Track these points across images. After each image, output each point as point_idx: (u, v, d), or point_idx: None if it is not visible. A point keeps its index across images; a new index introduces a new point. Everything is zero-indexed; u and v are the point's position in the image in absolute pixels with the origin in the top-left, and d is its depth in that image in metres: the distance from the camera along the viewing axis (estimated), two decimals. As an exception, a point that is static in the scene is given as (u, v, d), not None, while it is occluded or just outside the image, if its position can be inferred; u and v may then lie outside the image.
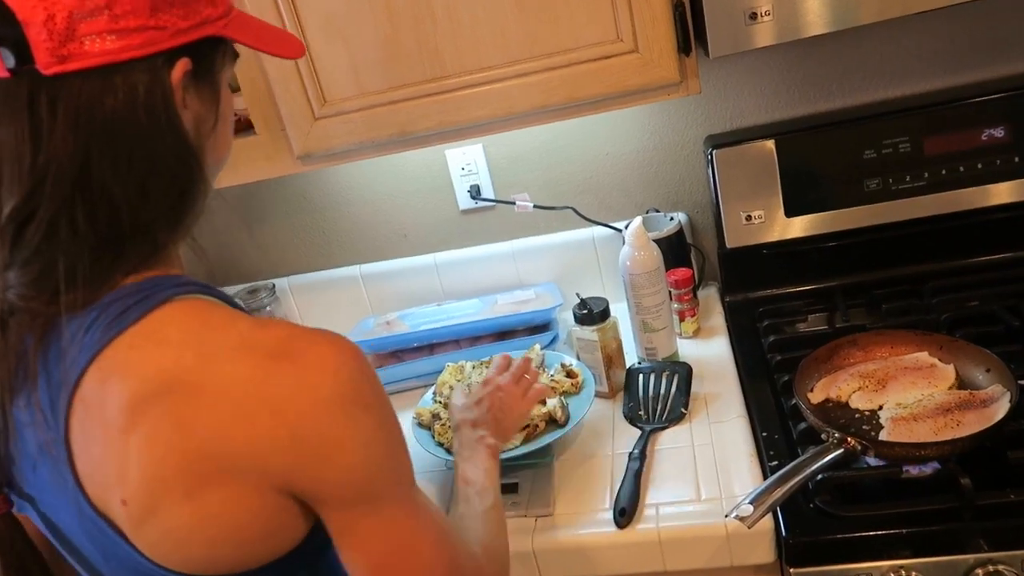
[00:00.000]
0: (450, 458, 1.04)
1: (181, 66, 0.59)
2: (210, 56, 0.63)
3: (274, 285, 1.54)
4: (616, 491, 0.98)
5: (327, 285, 1.55)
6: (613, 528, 0.94)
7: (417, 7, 1.00)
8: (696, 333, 1.31)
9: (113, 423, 0.55)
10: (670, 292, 1.25)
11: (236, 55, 0.68)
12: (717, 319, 1.35)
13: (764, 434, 1.04)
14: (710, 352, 1.25)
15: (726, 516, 0.82)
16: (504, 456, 1.02)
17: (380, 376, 1.05)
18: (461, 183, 1.44)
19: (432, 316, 1.43)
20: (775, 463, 0.98)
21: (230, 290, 1.55)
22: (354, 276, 1.54)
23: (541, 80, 1.01)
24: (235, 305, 0.62)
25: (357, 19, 1.02)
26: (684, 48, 0.98)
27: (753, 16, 0.92)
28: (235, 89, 1.16)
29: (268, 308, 1.52)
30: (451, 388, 1.13)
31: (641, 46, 0.98)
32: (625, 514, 0.94)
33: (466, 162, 1.42)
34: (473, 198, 1.44)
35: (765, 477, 0.96)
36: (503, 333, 1.35)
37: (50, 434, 0.58)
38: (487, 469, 0.86)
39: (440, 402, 1.14)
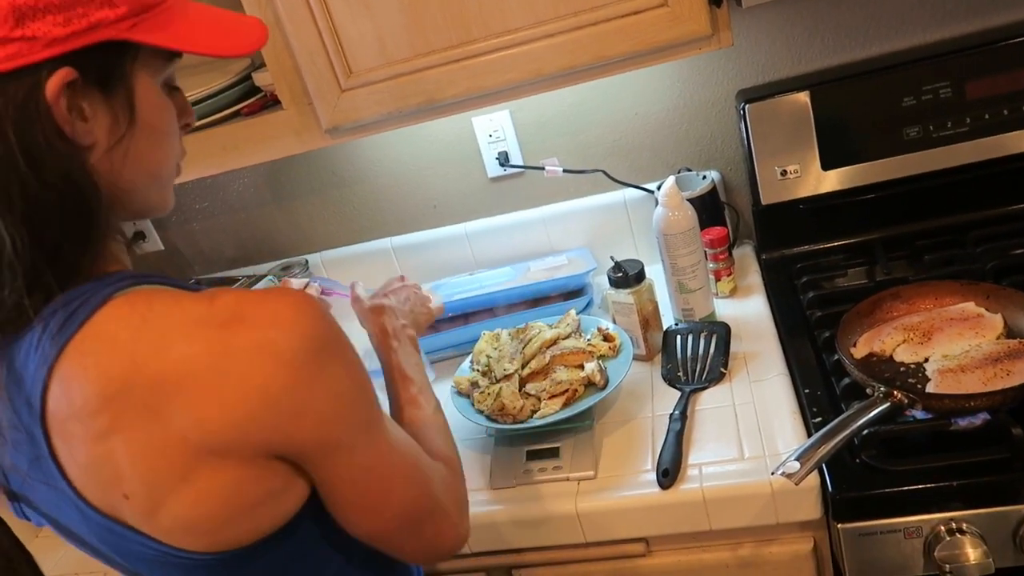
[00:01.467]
0: (492, 424, 1.04)
1: (58, 78, 0.54)
2: (111, 62, 0.58)
3: (307, 261, 1.55)
4: (658, 452, 0.98)
5: (359, 258, 1.56)
6: (656, 489, 0.94)
7: (439, -29, 0.98)
8: (733, 292, 1.29)
9: (89, 430, 0.55)
10: (705, 252, 1.24)
11: (172, 54, 0.62)
12: (753, 277, 1.33)
13: (806, 391, 1.02)
14: (747, 311, 1.24)
15: (772, 473, 0.82)
16: (544, 421, 1.02)
17: (423, 345, 1.06)
18: (489, 150, 1.42)
19: (465, 286, 1.42)
20: (818, 419, 0.97)
21: (263, 268, 1.56)
22: (385, 249, 1.54)
23: (568, 40, 0.99)
24: (180, 286, 0.60)
25: (379, -13, 1.00)
26: (715, -1, 0.95)
27: (786, -38, 0.89)
28: (259, 66, 1.16)
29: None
30: (488, 357, 1.13)
31: None
32: (668, 475, 0.94)
33: (493, 129, 1.40)
34: (502, 165, 1.42)
35: (809, 434, 0.95)
36: (537, 300, 1.35)
37: (34, 451, 0.57)
38: (419, 363, 0.87)
39: (478, 370, 1.15)
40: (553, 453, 1.03)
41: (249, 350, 0.54)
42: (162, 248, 1.65)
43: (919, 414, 0.90)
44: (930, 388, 0.91)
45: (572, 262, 1.40)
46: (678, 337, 1.16)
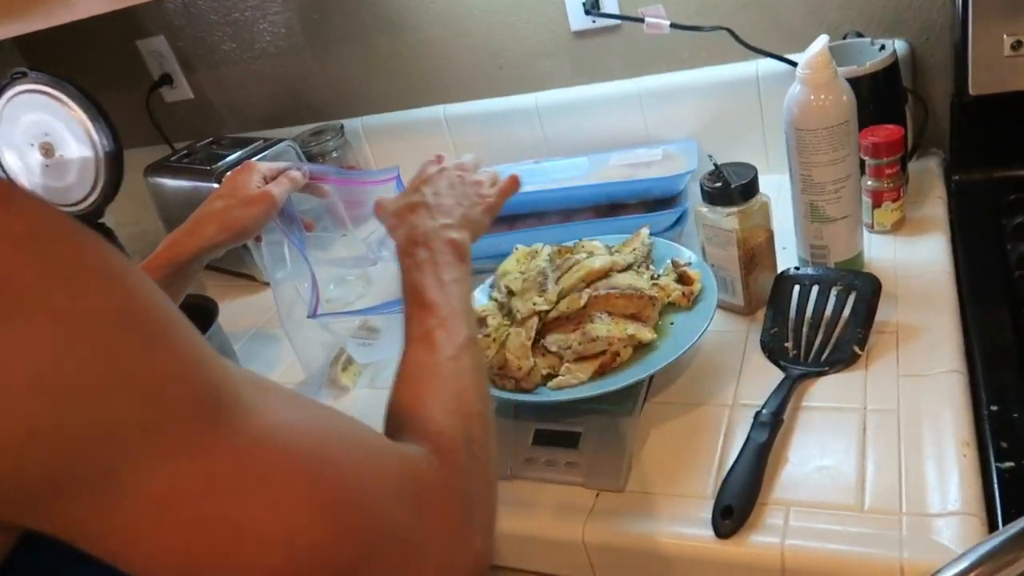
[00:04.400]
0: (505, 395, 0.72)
1: None
2: None
3: (342, 126, 1.25)
4: (725, 472, 0.63)
5: (406, 128, 1.23)
6: (709, 533, 0.60)
7: None
8: (898, 227, 0.87)
9: None
10: (863, 161, 0.82)
11: None
12: (934, 207, 0.89)
13: (993, 408, 0.62)
14: (915, 259, 0.82)
15: None
16: (558, 396, 0.69)
17: None
18: (573, -8, 1.03)
19: (526, 176, 1.06)
20: (1009, 464, 0.57)
21: (294, 131, 1.27)
22: (437, 118, 1.20)
23: None
24: None
25: None
26: None
27: None
28: None
29: (335, 154, 1.23)
30: (514, 280, 0.79)
31: None
32: (732, 515, 0.59)
33: (580, -41, 1.00)
34: (588, 13, 1.03)
35: (986, 487, 0.57)
36: (609, 207, 0.98)
37: None
38: (455, 282, 0.57)
39: (495, 299, 0.82)
40: (570, 441, 0.69)
41: None
42: (191, 96, 1.40)
43: None
44: None
45: (670, 158, 1.01)
46: (796, 288, 0.77)
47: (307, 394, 0.44)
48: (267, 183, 0.81)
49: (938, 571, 0.43)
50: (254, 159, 1.12)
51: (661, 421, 0.71)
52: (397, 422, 0.48)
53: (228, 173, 0.81)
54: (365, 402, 0.86)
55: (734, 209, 0.76)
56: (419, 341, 0.53)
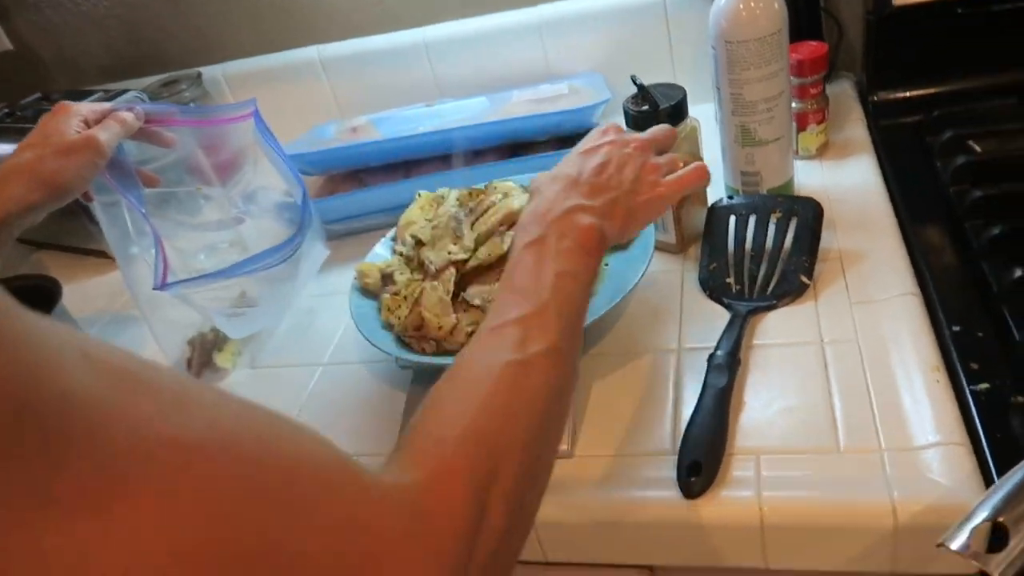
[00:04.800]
0: (403, 353, 0.61)
1: None
2: None
3: (200, 74, 1.09)
4: (683, 424, 0.55)
5: (276, 74, 1.09)
6: (676, 494, 0.52)
7: None
8: (822, 151, 0.82)
9: None
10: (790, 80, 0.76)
11: None
12: (855, 130, 0.85)
13: (955, 329, 0.58)
14: (846, 183, 0.77)
15: (939, 545, 0.38)
16: None
17: (335, 209, 0.65)
18: (458, -93, 0.92)
19: (418, 120, 0.96)
20: (983, 386, 0.53)
21: (144, 83, 1.10)
22: (312, 62, 1.06)
23: None
24: None
25: None
26: None
27: None
28: None
29: (192, 104, 1.07)
30: (415, 235, 0.68)
31: None
32: (699, 471, 0.52)
33: None
34: (477, -67, 0.92)
35: (965, 410, 0.52)
36: (518, 146, 0.89)
37: None
38: (567, 275, 0.46)
39: (401, 253, 0.71)
40: (504, 405, 0.60)
41: None
42: (10, 47, 1.18)
43: None
44: None
45: (576, 92, 0.92)
46: (732, 219, 0.71)
47: None
48: (90, 128, 0.65)
49: (964, 522, 0.37)
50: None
51: (603, 374, 0.63)
52: (407, 434, 0.37)
53: (41, 118, 0.65)
54: (248, 386, 0.74)
55: (663, 134, 0.68)
56: (488, 332, 0.42)
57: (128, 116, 0.67)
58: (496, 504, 0.33)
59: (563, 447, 0.57)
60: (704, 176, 0.58)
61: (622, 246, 0.67)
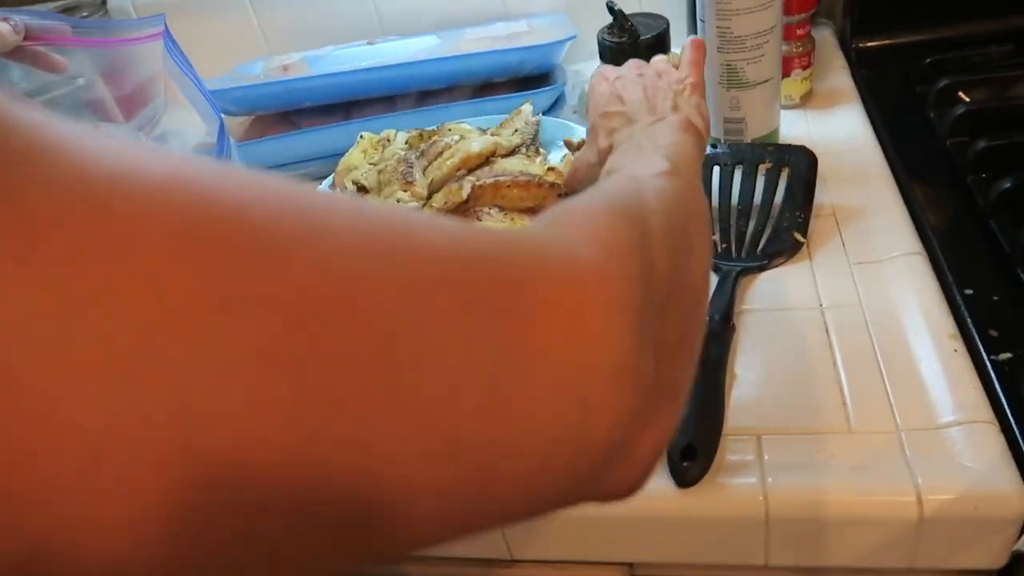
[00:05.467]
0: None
1: None
2: None
3: (104, 0, 0.95)
4: (673, 400, 0.48)
5: (193, 4, 0.96)
6: (668, 482, 0.45)
7: None
8: (806, 99, 0.75)
9: None
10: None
11: None
12: (839, 78, 0.78)
13: (968, 292, 0.52)
14: (834, 134, 0.71)
15: (1013, 552, 0.32)
16: None
17: (263, 154, 0.59)
18: None
19: (358, 59, 0.85)
20: (1006, 355, 0.47)
21: (36, 9, 0.95)
22: (236, -8, 0.94)
23: None
24: None
25: None
26: None
27: None
28: None
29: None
30: (358, 182, 0.59)
31: None
32: (694, 455, 0.45)
33: None
34: None
35: (985, 383, 0.46)
36: (472, 88, 0.79)
37: None
38: (673, 144, 0.42)
39: (340, 203, 0.61)
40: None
41: None
42: None
43: None
44: None
45: (536, 31, 0.83)
46: (717, 170, 0.63)
47: None
48: None
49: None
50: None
51: (576, 343, 0.55)
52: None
53: None
54: None
55: (643, 71, 0.60)
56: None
57: (3, 28, 0.55)
58: (662, 267, 0.26)
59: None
60: (701, 46, 0.54)
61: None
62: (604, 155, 0.47)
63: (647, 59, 0.59)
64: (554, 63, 0.77)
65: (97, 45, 0.62)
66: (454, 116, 0.72)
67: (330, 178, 0.65)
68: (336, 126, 0.76)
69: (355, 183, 0.58)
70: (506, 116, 0.65)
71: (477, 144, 0.58)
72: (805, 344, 0.51)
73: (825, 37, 0.84)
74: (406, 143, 0.63)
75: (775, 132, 0.69)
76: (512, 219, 0.53)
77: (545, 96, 0.74)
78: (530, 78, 0.77)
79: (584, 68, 0.84)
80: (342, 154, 0.72)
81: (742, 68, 0.63)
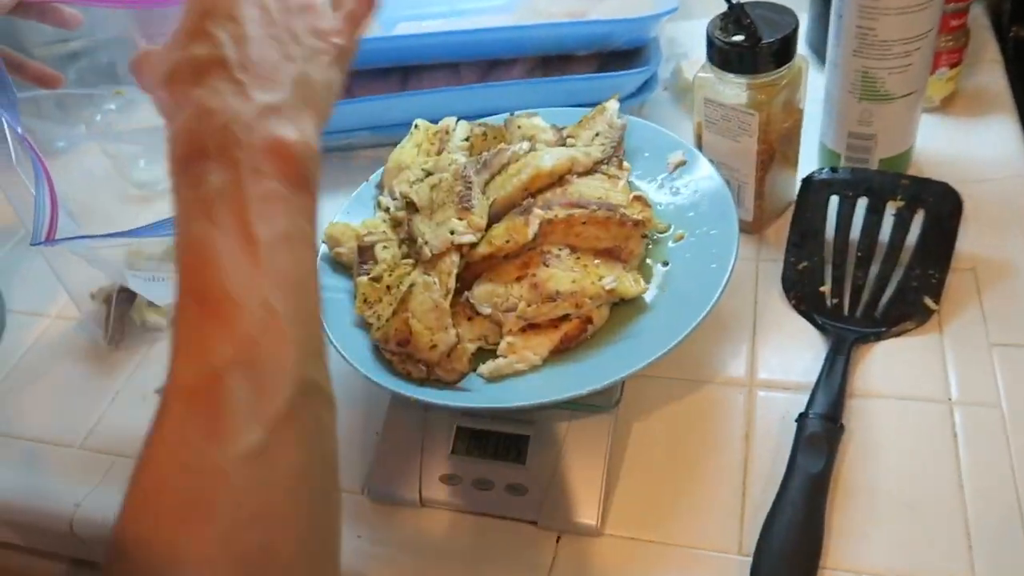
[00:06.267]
0: (378, 376, 0.44)
1: None
2: None
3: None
4: (756, 508, 0.40)
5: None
6: (743, 622, 0.38)
7: None
8: (948, 102, 0.63)
9: None
10: (930, 8, 0.56)
11: None
12: (990, 75, 0.65)
13: None
14: (979, 151, 0.59)
15: None
16: (508, 403, 0.42)
17: None
18: None
19: (423, 18, 0.75)
20: None
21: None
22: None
23: None
24: None
25: None
26: None
27: None
28: None
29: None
30: (418, 190, 0.50)
31: None
32: (781, 597, 0.37)
33: None
34: None
35: None
36: (547, 61, 0.68)
37: None
38: (280, 239, 0.27)
39: (387, 209, 0.52)
40: (513, 449, 0.45)
41: None
42: None
43: None
44: None
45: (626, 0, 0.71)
46: (834, 200, 0.53)
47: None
48: None
49: None
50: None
51: (646, 412, 0.47)
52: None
53: None
54: None
55: (761, 78, 0.49)
56: (188, 399, 0.25)
57: None
58: None
59: (589, 522, 0.42)
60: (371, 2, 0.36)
61: (692, 233, 0.49)
62: (178, 115, 0.29)
63: (769, 67, 0.48)
64: (647, 37, 0.65)
65: (127, 4, 0.53)
66: (524, 96, 0.62)
67: (378, 173, 0.56)
68: (391, 97, 0.66)
69: (404, 197, 0.49)
70: (585, 112, 0.55)
71: (550, 159, 0.49)
72: (927, 454, 0.42)
73: (975, 16, 0.70)
74: (466, 141, 0.54)
75: (909, 152, 0.57)
76: (584, 266, 0.45)
77: (633, 79, 0.64)
78: (618, 53, 0.66)
79: (683, 41, 0.72)
80: (395, 126, 0.63)
81: (882, 79, 0.51)
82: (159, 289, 0.54)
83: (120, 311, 0.59)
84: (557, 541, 0.43)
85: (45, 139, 0.64)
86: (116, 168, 0.74)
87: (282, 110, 0.29)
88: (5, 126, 0.49)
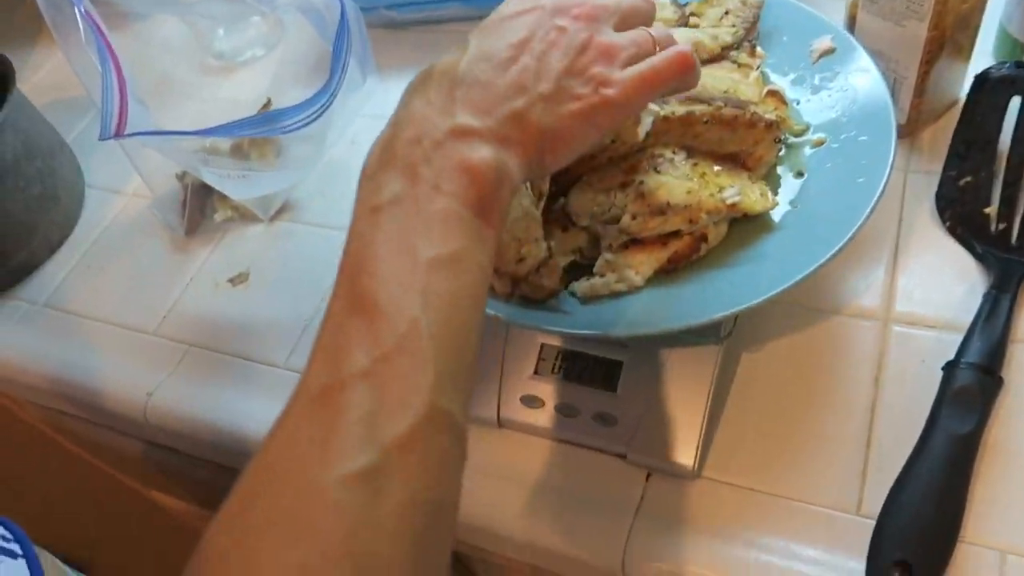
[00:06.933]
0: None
1: None
2: None
3: None
4: (881, 466, 0.35)
5: None
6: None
7: None
8: None
9: None
10: None
11: None
12: None
13: None
14: None
15: None
16: (604, 330, 0.37)
17: None
18: None
19: None
20: None
21: None
22: None
23: None
24: None
25: None
26: None
27: None
28: None
29: None
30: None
31: None
32: (910, 573, 0.32)
33: None
34: None
35: None
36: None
37: None
38: (445, 262, 0.25)
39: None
40: (604, 375, 0.40)
41: None
42: None
43: None
44: None
45: None
46: (1015, 102, 0.43)
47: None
48: None
49: None
50: None
51: (758, 343, 0.41)
52: None
53: None
54: (295, 243, 0.54)
55: (942, -55, 0.39)
56: (309, 405, 0.23)
57: None
58: None
59: (684, 462, 0.38)
60: (688, 68, 0.31)
61: (845, 129, 0.41)
62: (392, 118, 0.29)
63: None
64: None
65: None
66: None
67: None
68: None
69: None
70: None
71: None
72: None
73: None
74: None
75: (1114, 41, 0.46)
76: (703, 173, 0.38)
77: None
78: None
79: None
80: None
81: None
82: (233, 185, 0.50)
83: (197, 200, 0.56)
84: (647, 479, 0.39)
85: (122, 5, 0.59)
86: (195, 37, 0.70)
87: (478, 135, 0.27)
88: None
